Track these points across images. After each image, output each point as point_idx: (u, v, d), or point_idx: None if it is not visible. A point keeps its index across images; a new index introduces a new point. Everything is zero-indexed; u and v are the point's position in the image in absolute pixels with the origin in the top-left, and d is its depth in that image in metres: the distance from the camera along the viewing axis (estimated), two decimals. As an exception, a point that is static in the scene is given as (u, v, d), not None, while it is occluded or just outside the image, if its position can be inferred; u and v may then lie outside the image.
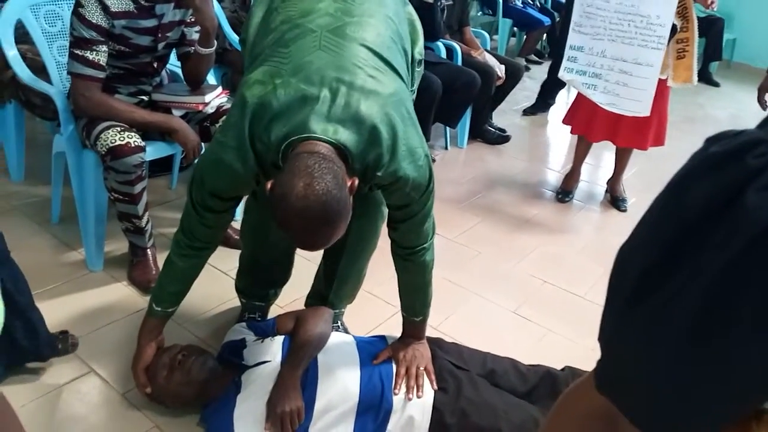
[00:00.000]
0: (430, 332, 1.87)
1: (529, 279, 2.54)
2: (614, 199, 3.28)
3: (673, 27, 2.61)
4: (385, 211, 1.70)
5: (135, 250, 2.24)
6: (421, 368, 1.67)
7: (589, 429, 0.57)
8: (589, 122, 3.00)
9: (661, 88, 2.78)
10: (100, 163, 2.04)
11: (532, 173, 3.66)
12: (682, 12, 2.66)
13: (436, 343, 1.80)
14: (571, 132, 3.20)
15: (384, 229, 1.72)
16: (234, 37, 2.96)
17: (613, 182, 3.30)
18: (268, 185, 1.31)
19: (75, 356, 1.86)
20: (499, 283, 2.48)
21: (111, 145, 1.96)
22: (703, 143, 0.50)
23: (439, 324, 2.14)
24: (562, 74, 2.81)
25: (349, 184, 1.31)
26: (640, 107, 2.67)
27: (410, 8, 1.74)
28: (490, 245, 2.75)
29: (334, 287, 1.93)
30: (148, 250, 2.24)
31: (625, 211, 3.23)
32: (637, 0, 2.54)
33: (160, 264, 2.22)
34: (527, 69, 5.66)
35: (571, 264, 2.67)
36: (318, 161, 1.26)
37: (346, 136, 1.34)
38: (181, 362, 1.63)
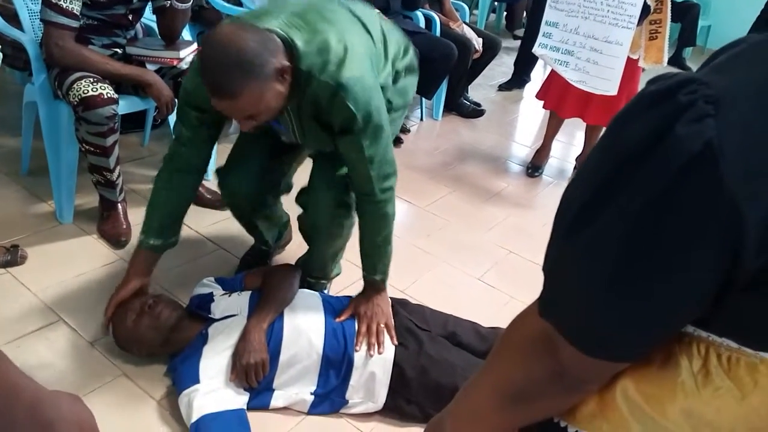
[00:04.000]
0: (396, 295, 1.91)
1: (495, 249, 2.60)
2: (582, 176, 3.34)
3: (647, 7, 2.64)
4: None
5: (105, 203, 2.24)
6: (382, 325, 1.71)
7: (532, 350, 0.62)
8: (561, 98, 3.05)
9: (633, 69, 2.82)
10: (72, 113, 2.03)
11: (503, 147, 3.72)
12: (657, -7, 2.70)
13: (400, 303, 1.85)
14: (543, 107, 3.25)
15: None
16: (212, -5, 2.93)
17: (582, 159, 3.37)
18: None
19: (44, 305, 1.87)
20: (466, 252, 2.53)
21: (83, 95, 1.95)
22: (645, 84, 0.54)
23: (405, 288, 2.19)
24: (536, 49, 2.84)
25: (279, 64, 1.38)
26: (608, 86, 2.71)
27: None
28: (460, 215, 2.81)
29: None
30: (119, 204, 2.24)
31: (592, 187, 3.29)
32: (611, -22, 2.58)
33: (131, 219, 2.25)
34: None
35: (536, 236, 2.73)
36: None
37: (297, 36, 1.43)
38: (151, 306, 1.67)
